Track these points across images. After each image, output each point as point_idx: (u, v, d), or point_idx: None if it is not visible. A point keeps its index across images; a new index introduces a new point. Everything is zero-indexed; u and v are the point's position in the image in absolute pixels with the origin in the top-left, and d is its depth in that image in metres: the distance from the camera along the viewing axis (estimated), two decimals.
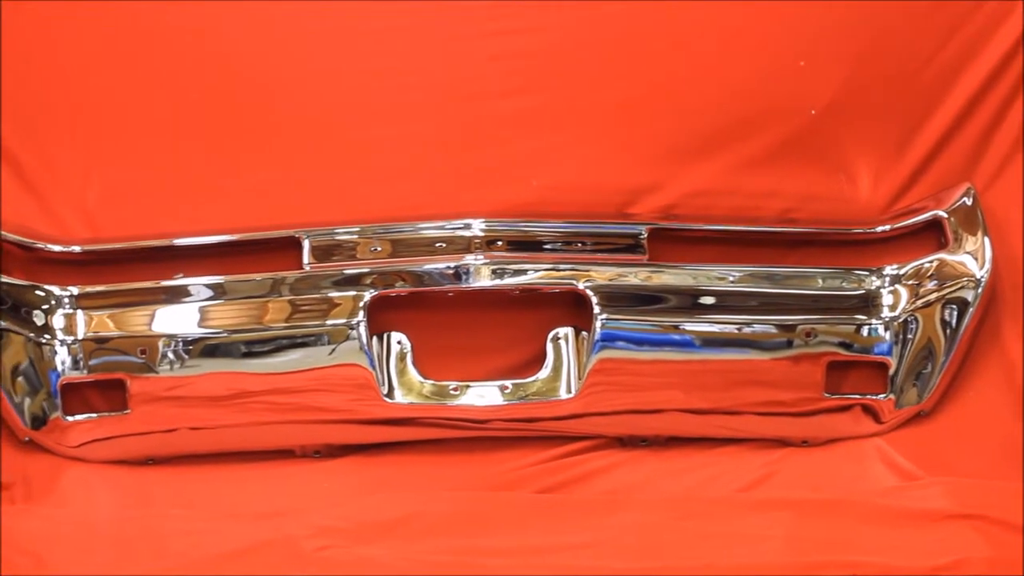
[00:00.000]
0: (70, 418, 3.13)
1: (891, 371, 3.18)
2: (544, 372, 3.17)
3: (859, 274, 3.20)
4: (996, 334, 3.20)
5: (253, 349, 3.13)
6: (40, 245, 3.16)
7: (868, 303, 3.18)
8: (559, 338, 3.18)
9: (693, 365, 3.15)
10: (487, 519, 2.96)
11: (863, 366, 3.20)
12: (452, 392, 3.16)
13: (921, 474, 3.12)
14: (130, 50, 3.21)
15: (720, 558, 2.85)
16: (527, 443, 3.20)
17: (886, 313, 3.18)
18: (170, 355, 3.12)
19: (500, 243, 3.17)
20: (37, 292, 3.13)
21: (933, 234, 3.22)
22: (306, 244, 3.16)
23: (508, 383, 3.17)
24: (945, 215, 3.20)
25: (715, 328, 3.16)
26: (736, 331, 3.16)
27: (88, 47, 3.20)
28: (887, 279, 3.19)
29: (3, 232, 3.13)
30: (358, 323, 3.11)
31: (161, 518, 3.02)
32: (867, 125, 3.24)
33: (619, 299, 3.14)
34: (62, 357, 3.11)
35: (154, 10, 3.20)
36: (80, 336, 3.11)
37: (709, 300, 3.16)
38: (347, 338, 3.11)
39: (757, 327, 3.16)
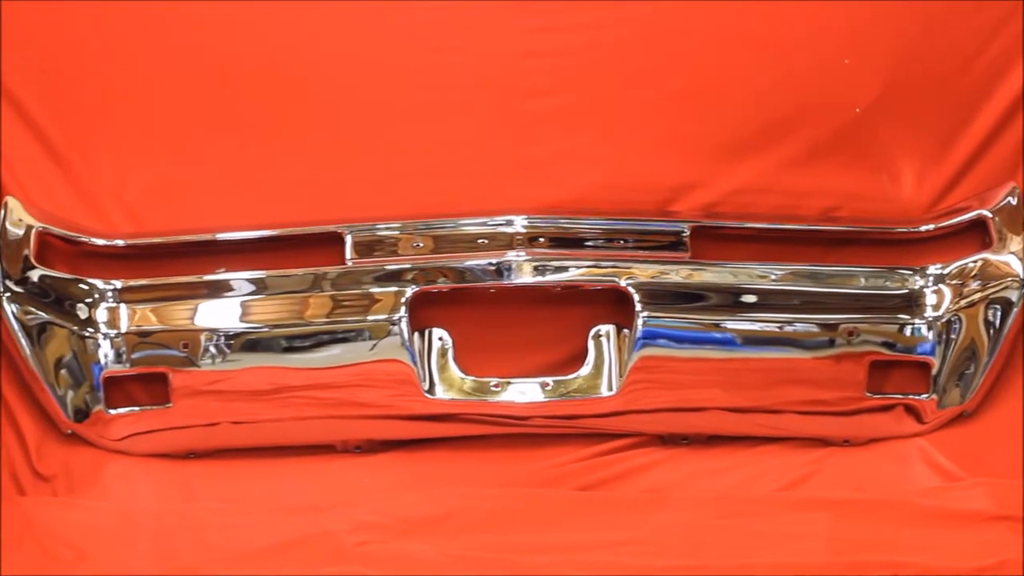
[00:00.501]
0: (112, 411, 3.15)
1: (934, 371, 3.17)
2: (585, 369, 3.17)
3: (902, 273, 3.19)
4: None
5: (294, 344, 3.14)
6: (84, 239, 3.17)
7: (911, 303, 3.17)
8: (600, 335, 3.18)
9: (735, 363, 3.15)
10: (528, 516, 2.97)
11: (906, 366, 3.18)
12: (493, 388, 3.16)
13: (963, 475, 3.11)
14: (172, 46, 3.21)
15: (760, 557, 2.85)
16: (568, 440, 3.20)
17: (929, 313, 3.16)
18: (212, 349, 3.13)
19: (542, 240, 3.17)
20: (81, 286, 3.14)
21: (977, 234, 3.20)
22: (348, 240, 3.17)
23: (549, 380, 3.17)
24: (989, 215, 3.18)
25: (757, 326, 3.15)
26: (778, 330, 3.15)
27: (130, 44, 3.21)
28: (930, 279, 3.18)
29: (47, 226, 3.14)
30: (399, 319, 3.11)
31: (202, 512, 3.04)
32: (911, 123, 3.23)
33: (661, 297, 3.13)
34: (105, 350, 3.12)
35: (196, 8, 3.21)
36: (123, 330, 3.13)
37: (751, 298, 3.16)
38: (388, 334, 3.12)
39: (799, 326, 3.15)
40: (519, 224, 3.17)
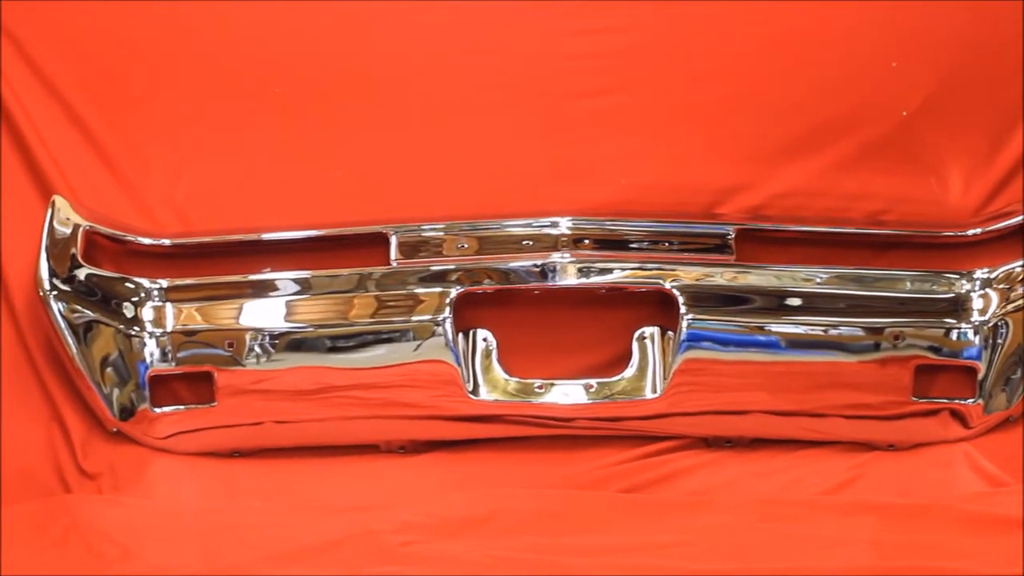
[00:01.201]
0: (158, 410, 3.16)
1: (980, 376, 3.15)
2: (629, 371, 3.17)
3: (949, 277, 3.17)
4: None
5: (339, 344, 3.14)
6: (130, 238, 3.19)
7: (958, 307, 3.15)
8: (645, 337, 3.18)
9: (779, 366, 3.14)
10: (570, 517, 2.97)
11: (952, 370, 3.17)
12: (537, 390, 3.16)
13: (1009, 480, 3.09)
14: (220, 47, 3.23)
15: (804, 561, 2.84)
16: (611, 442, 3.19)
17: (976, 317, 3.15)
18: (257, 349, 3.14)
19: (587, 241, 3.17)
20: (127, 284, 3.15)
21: None
22: (393, 240, 3.17)
23: (593, 382, 3.16)
24: None
25: (802, 330, 3.14)
26: (823, 333, 3.14)
27: (178, 44, 3.23)
28: (977, 283, 3.16)
29: (94, 225, 3.16)
30: (444, 319, 3.12)
31: (246, 511, 3.06)
32: (959, 127, 3.22)
33: (706, 299, 3.13)
34: (151, 349, 3.14)
35: (244, 9, 3.22)
36: (169, 328, 3.14)
37: (796, 301, 3.15)
38: (433, 334, 3.12)
39: (844, 329, 3.14)
40: (564, 225, 3.17)
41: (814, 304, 3.16)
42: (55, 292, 3.10)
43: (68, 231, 3.13)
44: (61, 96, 3.20)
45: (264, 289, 3.17)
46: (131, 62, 3.22)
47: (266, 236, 3.21)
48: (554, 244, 3.16)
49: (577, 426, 3.17)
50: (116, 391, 3.14)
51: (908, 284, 3.18)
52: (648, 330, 3.18)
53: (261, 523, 2.99)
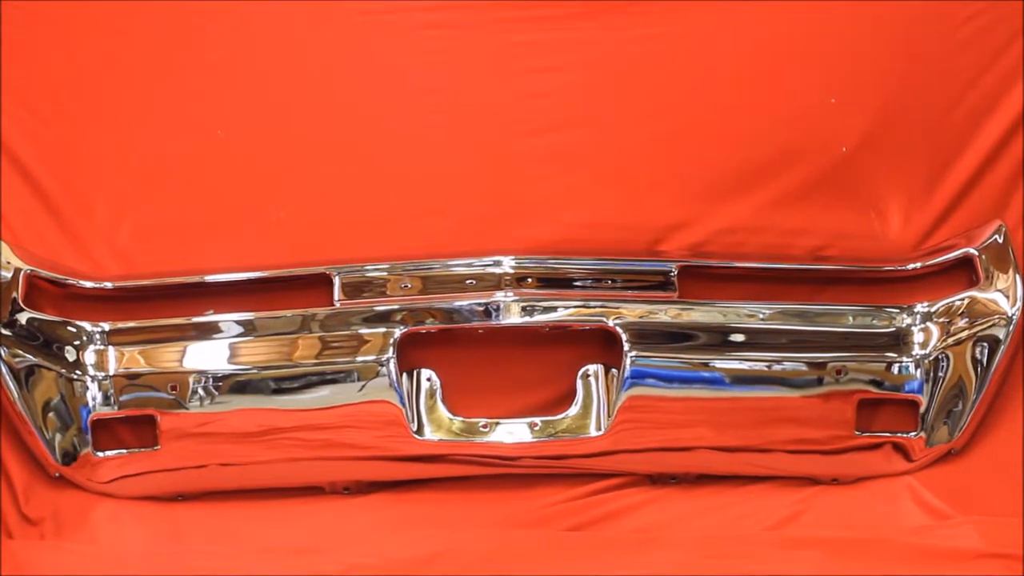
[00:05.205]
0: (100, 454, 3.14)
1: (922, 409, 3.17)
2: (574, 409, 3.17)
3: (890, 312, 3.19)
4: None
5: (283, 385, 3.13)
6: (72, 281, 3.17)
7: (899, 341, 3.17)
8: (589, 375, 3.18)
9: (723, 403, 3.15)
10: (516, 556, 2.96)
11: (894, 404, 3.19)
12: (481, 429, 3.16)
13: (952, 513, 3.10)
14: (163, 88, 3.22)
15: None
16: (556, 480, 3.19)
17: (917, 351, 3.16)
18: (200, 391, 3.12)
19: (530, 280, 3.17)
20: (69, 328, 3.14)
21: (964, 272, 3.21)
22: (337, 281, 3.17)
23: (537, 420, 3.16)
24: (976, 252, 3.19)
25: (745, 365, 3.15)
26: (766, 368, 3.15)
27: (120, 85, 3.22)
28: (918, 317, 3.18)
29: (36, 268, 3.14)
30: (388, 360, 3.11)
31: (191, 554, 3.03)
32: (898, 162, 3.24)
33: (649, 336, 3.13)
34: (93, 393, 3.12)
35: (187, 48, 3.22)
36: (111, 372, 3.12)
37: (739, 337, 3.16)
38: (377, 375, 3.11)
39: (787, 364, 3.15)
40: (507, 265, 3.17)
41: (757, 340, 3.17)
42: None
43: (9, 275, 3.11)
44: (3, 141, 3.18)
45: (207, 331, 3.16)
46: (71, 106, 3.21)
47: (209, 278, 3.19)
48: (497, 283, 3.16)
49: (522, 465, 3.17)
50: (58, 436, 3.12)
51: (850, 319, 3.19)
52: (592, 368, 3.18)
53: (206, 567, 2.96)
